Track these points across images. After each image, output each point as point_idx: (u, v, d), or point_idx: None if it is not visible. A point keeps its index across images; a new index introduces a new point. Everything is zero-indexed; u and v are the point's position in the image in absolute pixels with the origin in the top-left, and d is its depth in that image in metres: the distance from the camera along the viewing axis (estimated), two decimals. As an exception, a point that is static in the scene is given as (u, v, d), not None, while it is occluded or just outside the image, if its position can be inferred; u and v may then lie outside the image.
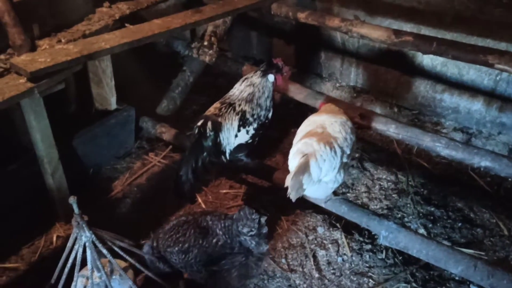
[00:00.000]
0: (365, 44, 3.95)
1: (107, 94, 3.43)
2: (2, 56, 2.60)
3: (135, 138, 3.73)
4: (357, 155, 3.79)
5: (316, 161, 2.39)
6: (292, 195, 2.36)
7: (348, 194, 3.45)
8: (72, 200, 2.11)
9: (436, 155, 3.59)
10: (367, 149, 3.82)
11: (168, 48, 4.07)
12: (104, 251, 2.25)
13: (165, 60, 4.33)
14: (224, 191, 3.47)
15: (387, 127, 2.93)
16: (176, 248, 2.48)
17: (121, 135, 3.54)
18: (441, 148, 2.74)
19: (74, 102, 3.65)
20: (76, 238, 2.22)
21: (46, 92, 2.51)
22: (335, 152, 2.47)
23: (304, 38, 4.32)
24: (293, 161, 2.48)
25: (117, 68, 3.47)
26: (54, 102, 3.15)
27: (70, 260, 2.24)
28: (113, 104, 3.49)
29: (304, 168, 2.36)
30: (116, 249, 2.34)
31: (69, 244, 2.26)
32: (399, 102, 4.03)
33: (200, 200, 3.38)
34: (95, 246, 2.24)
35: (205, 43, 3.74)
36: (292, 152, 2.53)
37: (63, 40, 2.79)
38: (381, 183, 3.55)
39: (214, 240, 2.48)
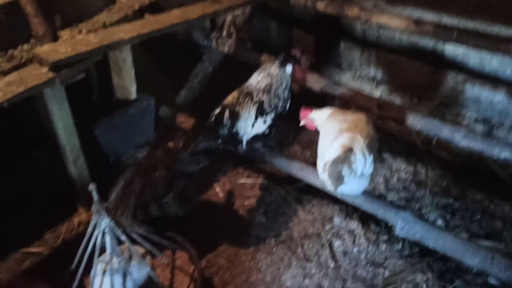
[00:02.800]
0: (385, 34, 3.89)
1: (127, 84, 3.49)
2: (26, 47, 2.67)
3: (155, 127, 3.78)
4: (375, 145, 3.77)
5: (362, 154, 2.40)
6: (331, 184, 2.39)
7: (366, 185, 3.44)
8: (92, 187, 2.17)
9: (456, 146, 3.54)
10: (386, 140, 3.77)
11: (188, 38, 4.10)
12: (123, 237, 2.31)
13: (185, 50, 4.36)
14: (242, 180, 3.50)
15: (405, 118, 2.91)
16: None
17: (141, 124, 3.60)
18: (460, 138, 2.72)
19: (96, 91, 3.72)
20: (95, 225, 2.28)
21: (67, 82, 2.57)
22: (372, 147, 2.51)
23: (323, 28, 4.29)
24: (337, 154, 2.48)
25: (137, 58, 3.52)
26: (76, 92, 3.24)
27: (90, 246, 2.31)
28: (133, 93, 3.54)
29: (344, 159, 2.37)
30: (134, 236, 2.39)
31: (89, 230, 2.32)
32: (419, 92, 3.97)
33: (218, 189, 3.42)
34: (114, 233, 2.30)
35: (224, 33, 3.75)
36: (336, 146, 2.51)
37: (84, 31, 2.85)
38: (399, 174, 3.52)
39: None
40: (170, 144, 3.59)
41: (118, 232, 2.29)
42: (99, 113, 3.41)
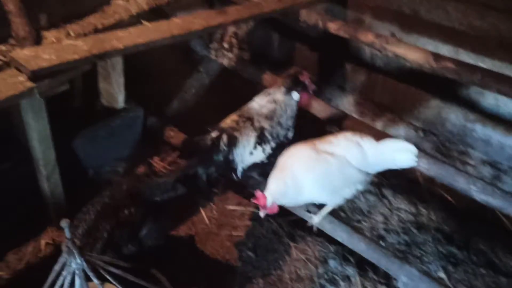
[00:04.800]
0: (395, 61, 3.66)
1: (114, 91, 3.17)
2: (3, 47, 2.33)
3: (141, 139, 3.47)
4: (376, 179, 3.54)
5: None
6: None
7: (364, 223, 3.21)
8: (65, 224, 1.87)
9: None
10: (387, 174, 3.54)
11: (185, 44, 3.80)
12: (96, 281, 2.01)
13: (183, 55, 4.05)
14: (231, 207, 3.23)
15: (417, 162, 2.67)
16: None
17: (126, 137, 3.29)
18: (477, 192, 2.49)
19: (78, 96, 3.39)
20: (64, 264, 1.99)
21: (47, 93, 2.25)
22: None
23: (329, 46, 4.04)
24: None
25: (129, 59, 3.22)
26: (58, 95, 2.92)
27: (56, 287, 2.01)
28: (120, 102, 3.23)
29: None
30: (109, 278, 2.10)
31: (56, 268, 2.02)
32: (425, 126, 3.76)
33: (204, 214, 3.15)
34: (86, 274, 2.00)
35: (225, 45, 3.46)
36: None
37: (72, 34, 2.53)
38: (400, 214, 3.30)
39: None
40: (147, 165, 3.29)
41: (91, 274, 2.00)
42: (80, 122, 3.09)
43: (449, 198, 3.37)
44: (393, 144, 2.42)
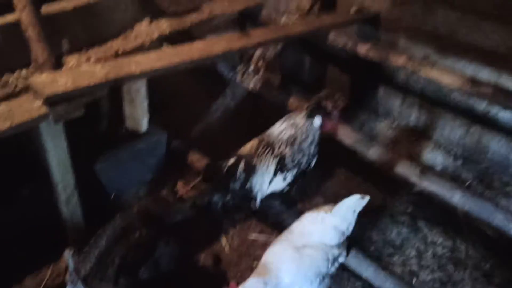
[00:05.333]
0: (432, 84, 3.47)
1: (138, 115, 3.16)
2: (24, 73, 2.36)
3: (164, 163, 3.43)
4: (409, 210, 3.33)
5: None
6: None
7: (395, 258, 3.00)
8: (68, 254, 1.83)
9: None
10: (422, 204, 3.32)
11: (212, 67, 3.76)
12: (100, 313, 1.95)
13: (208, 80, 4.01)
14: (253, 236, 3.10)
15: (451, 194, 2.47)
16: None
17: (149, 160, 3.26)
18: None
19: (105, 119, 3.41)
20: (69, 295, 1.94)
21: (62, 119, 2.23)
22: None
23: (362, 69, 3.89)
24: None
25: (154, 83, 3.21)
26: (84, 117, 2.93)
27: (61, 319, 1.96)
28: (144, 125, 3.21)
29: None
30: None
31: (63, 299, 1.98)
32: (465, 153, 3.51)
33: (225, 242, 3.04)
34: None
35: (251, 67, 3.39)
36: None
37: (92, 58, 2.53)
38: (435, 249, 3.07)
39: None
40: (169, 189, 3.24)
41: (95, 307, 1.94)
42: (104, 145, 3.09)
43: (490, 233, 3.11)
44: (347, 204, 2.32)
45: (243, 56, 4.09)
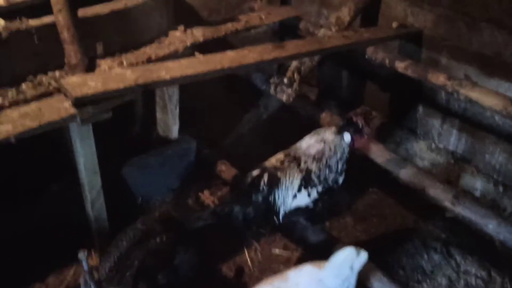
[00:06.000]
0: (475, 106, 3.30)
1: (170, 122, 3.18)
2: (57, 73, 2.41)
3: (193, 172, 3.42)
4: (443, 235, 3.16)
5: None
6: None
7: (425, 285, 2.85)
8: (82, 255, 1.83)
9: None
10: (457, 231, 3.14)
11: (247, 78, 3.75)
12: (112, 316, 1.94)
13: (243, 90, 4.00)
14: (277, 251, 3.03)
15: (486, 222, 2.32)
16: None
17: (177, 168, 3.26)
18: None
19: (139, 123, 3.46)
20: (82, 296, 1.94)
21: (90, 120, 2.26)
22: None
23: (401, 86, 3.76)
24: None
25: (188, 90, 3.22)
26: (118, 119, 2.97)
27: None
28: (174, 132, 3.23)
29: None
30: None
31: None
32: (506, 180, 3.30)
33: (247, 256, 2.98)
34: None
35: (285, 80, 3.35)
36: None
37: (125, 63, 2.56)
38: (468, 279, 2.90)
39: None
40: (195, 198, 3.22)
41: (107, 310, 1.93)
42: (135, 149, 3.12)
43: (530, 266, 2.90)
44: (341, 257, 2.03)
45: (280, 67, 4.06)
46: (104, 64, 2.52)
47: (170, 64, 2.51)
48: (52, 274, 2.78)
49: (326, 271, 2.00)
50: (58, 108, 2.18)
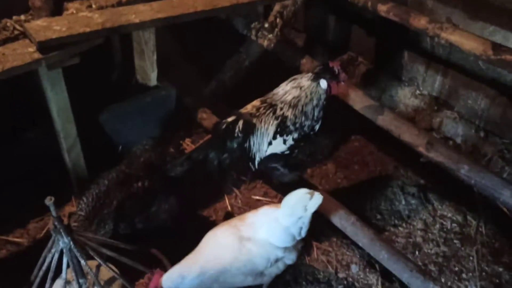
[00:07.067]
0: (459, 51, 3.23)
1: (147, 68, 3.11)
2: (23, 17, 2.33)
3: (173, 120, 3.39)
4: (421, 181, 3.19)
5: None
6: None
7: (400, 229, 2.90)
8: (49, 201, 1.83)
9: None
10: (435, 177, 3.16)
11: (228, 22, 3.63)
12: (82, 260, 1.97)
13: (224, 35, 3.88)
14: (257, 197, 3.06)
15: (458, 167, 2.33)
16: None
17: (157, 115, 3.22)
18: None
19: (117, 69, 3.39)
20: (54, 242, 1.96)
21: (57, 66, 2.20)
22: None
23: (387, 31, 3.66)
24: None
25: (166, 37, 3.12)
26: (96, 66, 2.90)
27: (45, 265, 1.99)
28: (153, 80, 3.16)
29: None
30: (99, 261, 2.04)
31: (48, 246, 2.01)
32: (488, 126, 3.29)
33: (228, 202, 3.02)
34: (74, 254, 1.96)
35: (266, 25, 3.25)
36: None
37: (94, 6, 2.46)
38: (444, 222, 2.95)
39: None
40: (176, 146, 3.20)
41: (78, 254, 1.95)
42: (113, 96, 3.06)
43: (506, 210, 2.94)
44: (294, 197, 2.11)
45: (266, 12, 3.93)
46: (72, 7, 2.43)
47: (141, 7, 2.43)
48: (33, 221, 2.81)
49: (280, 210, 2.10)
50: (23, 53, 2.11)
